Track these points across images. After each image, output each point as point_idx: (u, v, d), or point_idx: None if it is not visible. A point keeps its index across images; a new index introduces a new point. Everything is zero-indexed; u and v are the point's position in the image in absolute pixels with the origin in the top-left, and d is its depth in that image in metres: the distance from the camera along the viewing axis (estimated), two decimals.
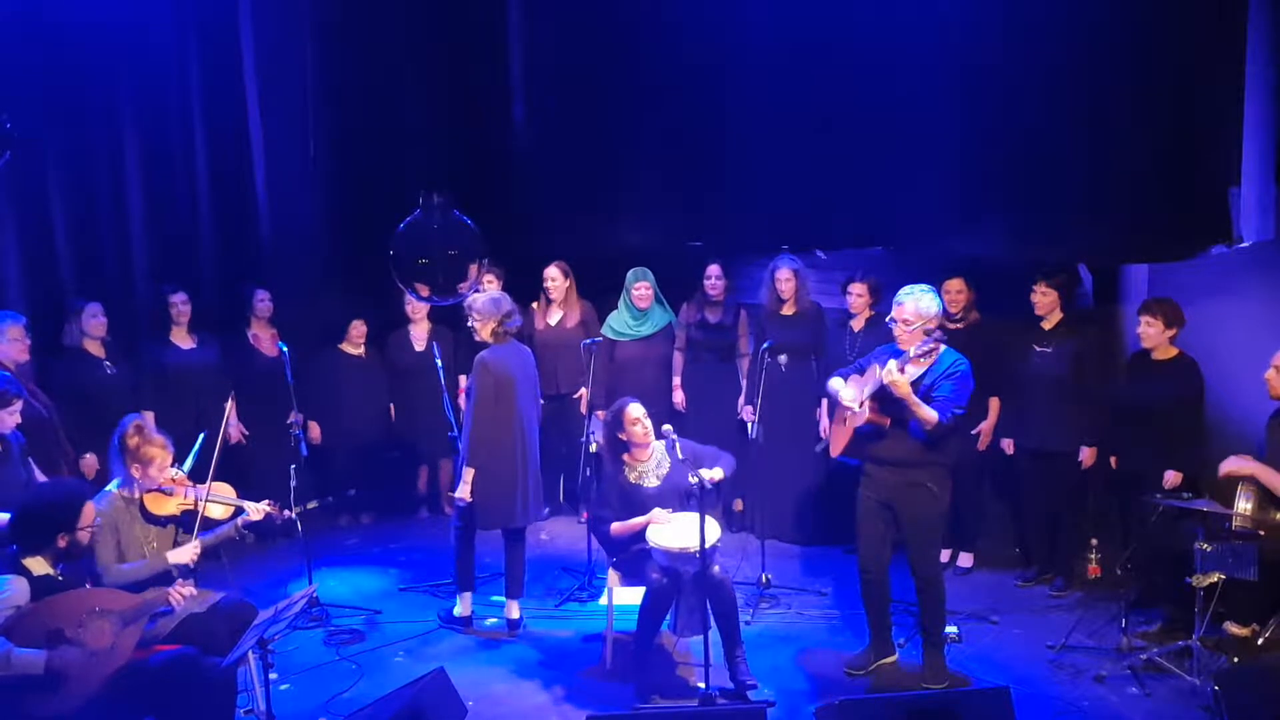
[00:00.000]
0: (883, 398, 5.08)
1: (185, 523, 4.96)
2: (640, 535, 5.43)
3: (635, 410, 5.55)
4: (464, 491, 5.80)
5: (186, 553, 4.85)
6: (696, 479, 5.03)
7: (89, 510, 4.48)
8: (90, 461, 6.13)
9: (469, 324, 5.97)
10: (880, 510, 5.29)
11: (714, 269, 7.26)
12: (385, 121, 7.79)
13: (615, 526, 5.51)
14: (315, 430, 7.52)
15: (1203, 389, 5.94)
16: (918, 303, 5.12)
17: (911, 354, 4.99)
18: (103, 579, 4.62)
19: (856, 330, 6.87)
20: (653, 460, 5.59)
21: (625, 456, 5.59)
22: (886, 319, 5.31)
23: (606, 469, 5.71)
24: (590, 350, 6.88)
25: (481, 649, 5.86)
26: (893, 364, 4.95)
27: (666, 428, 5.63)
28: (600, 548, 6.05)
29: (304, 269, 7.76)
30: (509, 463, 5.83)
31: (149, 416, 6.31)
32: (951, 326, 6.46)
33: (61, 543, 4.39)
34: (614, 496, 5.56)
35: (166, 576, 4.79)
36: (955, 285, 6.51)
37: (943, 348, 5.04)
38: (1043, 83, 6.26)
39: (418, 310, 7.55)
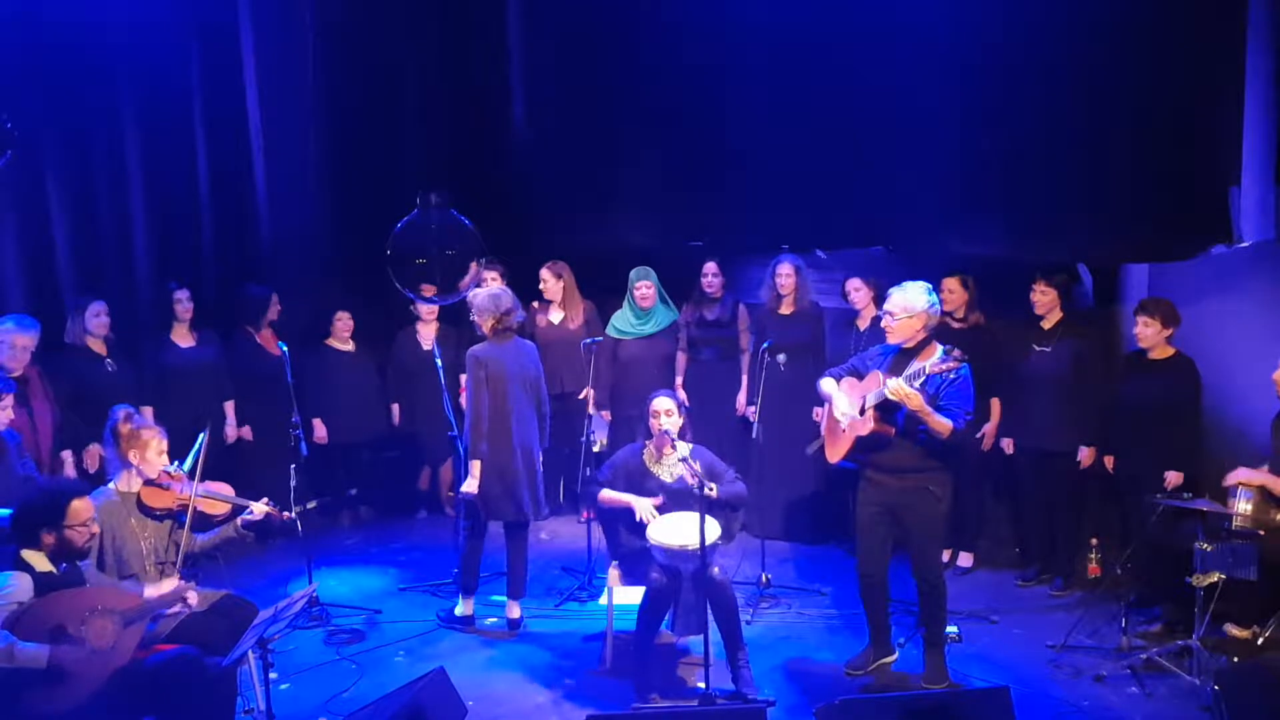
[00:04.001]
0: (887, 407, 5.06)
1: (181, 518, 4.93)
2: (631, 524, 5.45)
3: (660, 403, 5.57)
4: (470, 485, 5.84)
5: (167, 588, 4.72)
6: (696, 480, 5.07)
7: (79, 508, 4.42)
8: (94, 451, 6.13)
9: (471, 318, 6.00)
10: (882, 516, 5.27)
11: (710, 266, 7.28)
12: (385, 121, 7.79)
13: (604, 494, 5.53)
14: (321, 429, 7.53)
15: (1199, 388, 5.94)
16: (905, 296, 5.09)
17: (927, 368, 4.91)
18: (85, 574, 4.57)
19: (862, 329, 6.86)
20: (670, 459, 5.60)
21: (649, 443, 5.63)
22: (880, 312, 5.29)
23: (632, 444, 5.76)
24: (590, 350, 6.89)
25: (481, 649, 5.86)
26: (901, 381, 4.90)
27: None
28: (600, 547, 6.06)
29: (304, 268, 7.76)
30: (506, 456, 5.85)
31: (147, 413, 6.34)
32: (955, 326, 6.46)
33: (47, 539, 4.37)
34: (622, 468, 5.59)
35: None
36: (950, 284, 6.50)
37: (961, 365, 4.94)
38: (1043, 82, 6.26)
39: (429, 311, 7.55)
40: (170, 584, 4.78)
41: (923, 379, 4.92)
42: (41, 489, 4.80)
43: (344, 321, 7.61)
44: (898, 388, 4.88)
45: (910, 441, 5.08)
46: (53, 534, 4.37)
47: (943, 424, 4.94)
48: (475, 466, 5.82)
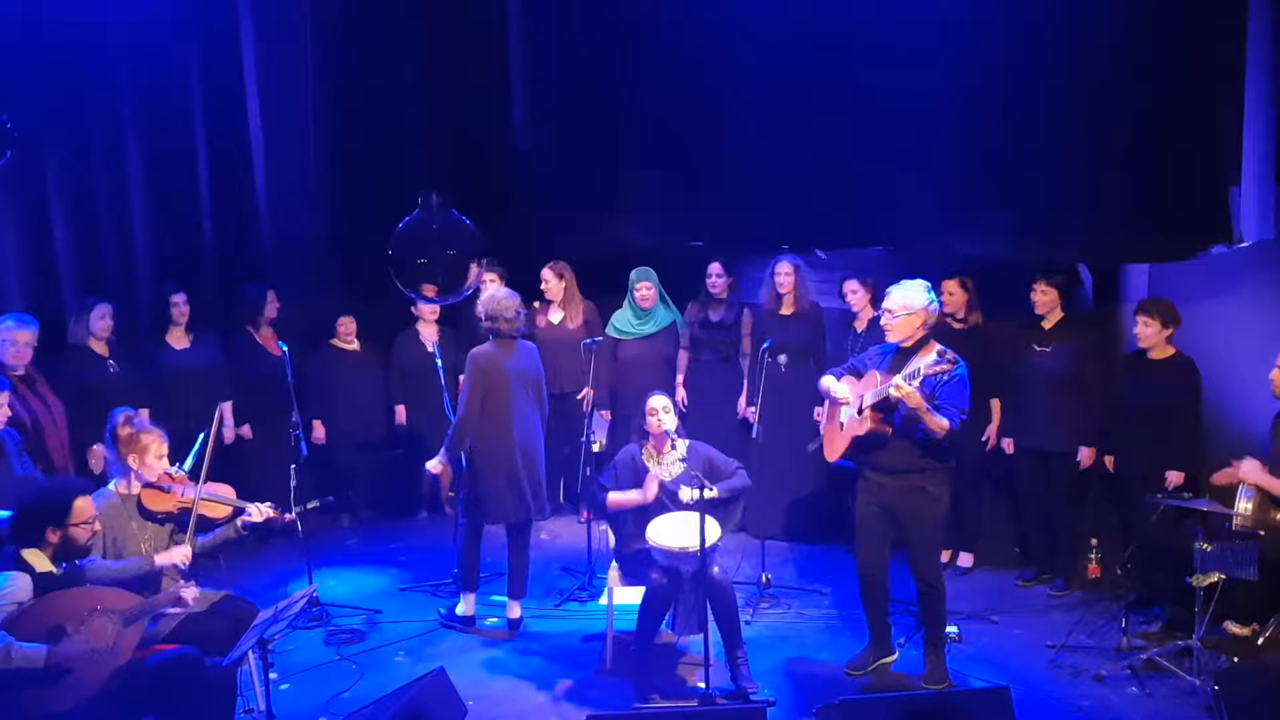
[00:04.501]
0: (885, 406, 5.06)
1: (183, 521, 4.94)
2: (635, 524, 5.44)
3: (655, 401, 5.61)
4: (432, 465, 5.99)
5: (177, 555, 4.79)
6: (691, 493, 5.10)
7: (82, 506, 4.42)
8: (98, 452, 6.12)
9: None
10: (881, 516, 5.27)
11: (715, 267, 7.28)
12: (385, 122, 7.79)
13: (612, 497, 5.55)
14: (320, 430, 7.53)
15: (1199, 388, 5.94)
16: (904, 294, 5.09)
17: (923, 369, 4.90)
18: (85, 573, 4.56)
19: (860, 330, 6.87)
20: (670, 458, 5.61)
21: (646, 443, 5.65)
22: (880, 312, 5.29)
23: (629, 444, 5.78)
24: (590, 350, 6.89)
25: (482, 649, 5.86)
26: (900, 379, 4.91)
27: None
28: (600, 546, 6.07)
29: (304, 269, 7.76)
30: (504, 459, 5.85)
31: (144, 414, 6.33)
32: (955, 327, 6.46)
33: (52, 538, 4.37)
34: (624, 469, 5.61)
35: (154, 578, 4.75)
36: (949, 286, 6.52)
37: (955, 366, 4.93)
38: (1043, 82, 6.26)
39: (431, 311, 7.54)
40: (176, 555, 4.79)
41: (919, 379, 4.92)
42: (44, 488, 4.81)
43: (347, 326, 7.62)
44: (897, 386, 4.88)
45: (907, 441, 5.08)
46: (58, 532, 4.37)
47: (940, 423, 4.94)
48: (444, 461, 5.94)
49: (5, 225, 6.66)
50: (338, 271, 7.83)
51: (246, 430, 7.18)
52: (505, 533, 6.07)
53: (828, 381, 5.40)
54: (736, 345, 7.34)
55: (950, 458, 5.22)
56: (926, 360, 4.95)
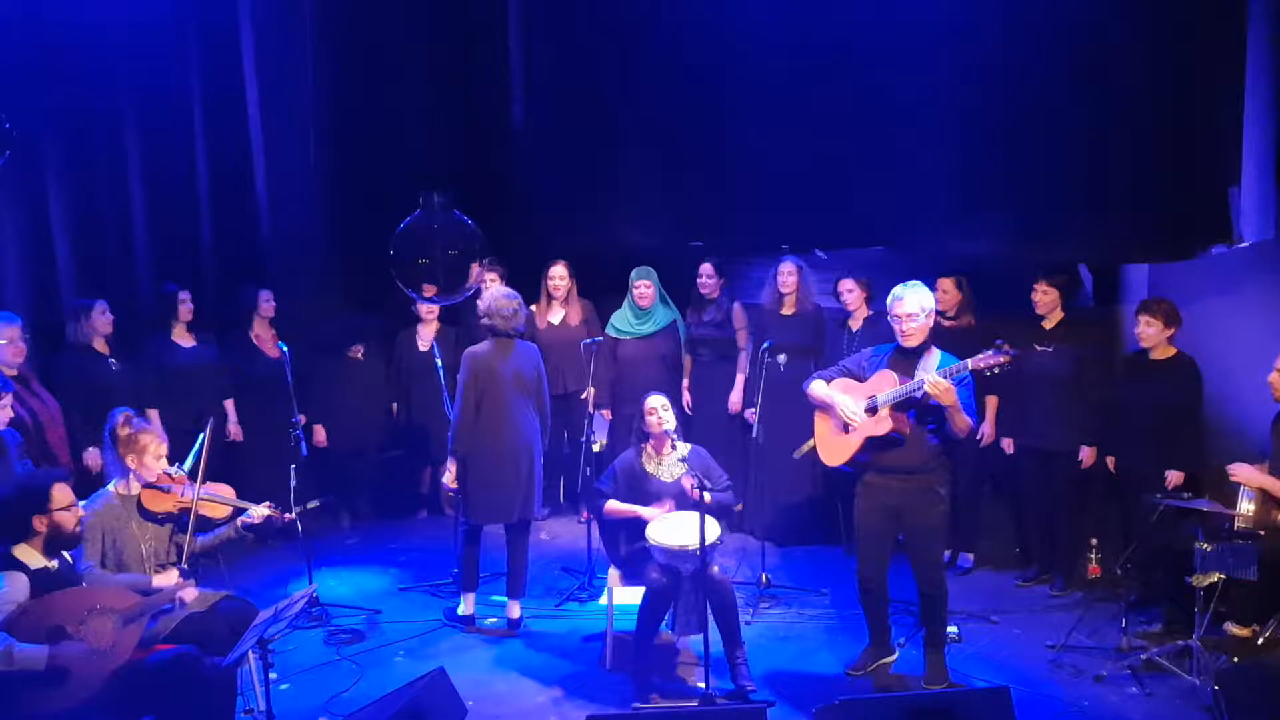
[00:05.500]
0: (904, 405, 5.04)
1: (183, 521, 4.94)
2: (632, 528, 5.45)
3: (653, 401, 5.61)
4: (447, 478, 5.92)
5: (173, 578, 4.78)
6: (694, 486, 5.10)
7: (61, 492, 4.41)
8: (93, 455, 6.12)
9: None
10: (884, 520, 5.23)
11: (706, 267, 7.29)
12: (385, 121, 7.80)
13: (610, 505, 5.54)
14: (320, 433, 7.54)
15: (1201, 388, 5.95)
16: (919, 296, 5.08)
17: (970, 364, 4.86)
18: (85, 580, 4.57)
19: (855, 329, 6.87)
20: (670, 459, 5.61)
21: (645, 445, 5.64)
22: (889, 317, 5.26)
23: (627, 449, 5.78)
24: (590, 350, 6.89)
25: (482, 648, 5.86)
26: (938, 376, 4.87)
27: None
28: (600, 547, 6.06)
29: (304, 269, 7.76)
30: (496, 458, 5.85)
31: (153, 414, 6.34)
32: (945, 325, 6.47)
33: (39, 526, 4.36)
34: (623, 476, 5.61)
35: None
36: (945, 285, 6.55)
37: (1007, 360, 4.87)
38: (1043, 82, 6.27)
39: (430, 310, 7.56)
40: (172, 576, 4.78)
41: (955, 376, 4.90)
42: (20, 481, 4.79)
43: (359, 351, 7.65)
44: (935, 383, 4.86)
45: (920, 439, 5.07)
46: (44, 519, 4.36)
47: (967, 422, 4.96)
48: (451, 464, 5.89)
49: (5, 225, 6.67)
50: (338, 271, 7.83)
51: (238, 432, 7.18)
52: (504, 532, 6.07)
53: (822, 391, 5.32)
54: (732, 343, 7.34)
55: (954, 457, 5.22)
56: (980, 354, 4.88)
